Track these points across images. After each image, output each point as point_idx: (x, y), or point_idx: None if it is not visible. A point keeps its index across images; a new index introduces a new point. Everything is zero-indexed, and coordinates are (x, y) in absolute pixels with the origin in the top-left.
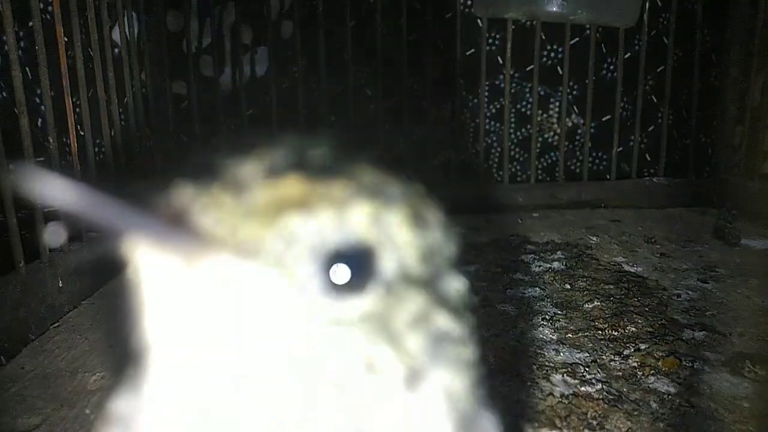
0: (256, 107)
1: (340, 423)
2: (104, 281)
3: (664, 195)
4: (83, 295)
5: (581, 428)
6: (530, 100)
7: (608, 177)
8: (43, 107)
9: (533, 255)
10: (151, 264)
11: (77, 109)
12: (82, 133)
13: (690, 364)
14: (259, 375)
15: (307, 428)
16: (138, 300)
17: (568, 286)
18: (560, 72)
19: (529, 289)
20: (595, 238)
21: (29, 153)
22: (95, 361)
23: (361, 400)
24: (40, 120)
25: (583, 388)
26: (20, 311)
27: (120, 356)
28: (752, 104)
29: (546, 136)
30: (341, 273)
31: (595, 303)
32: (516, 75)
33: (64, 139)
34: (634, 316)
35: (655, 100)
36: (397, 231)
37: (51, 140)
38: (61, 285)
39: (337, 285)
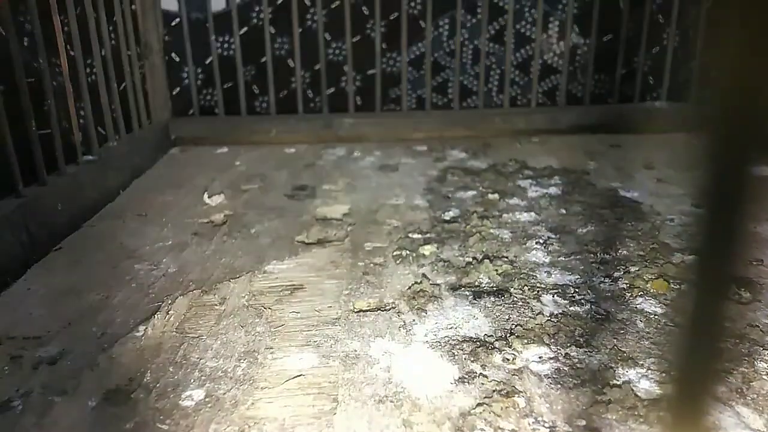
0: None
1: None
2: (103, 204)
3: (665, 119)
4: (83, 218)
5: (568, 345)
6: (530, 19)
7: (609, 101)
8: (29, 26)
9: (530, 180)
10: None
11: (65, 28)
12: (72, 53)
13: (678, 287)
14: None
15: None
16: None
17: (564, 211)
18: None
19: (525, 214)
20: (593, 164)
21: (20, 75)
22: (98, 281)
23: None
24: (27, 39)
25: (572, 308)
26: (21, 233)
27: (121, 276)
28: None
29: (546, 57)
30: None
31: (589, 227)
32: None
33: (54, 60)
34: (627, 240)
35: (661, 20)
36: None
37: (41, 60)
38: (60, 207)
39: None
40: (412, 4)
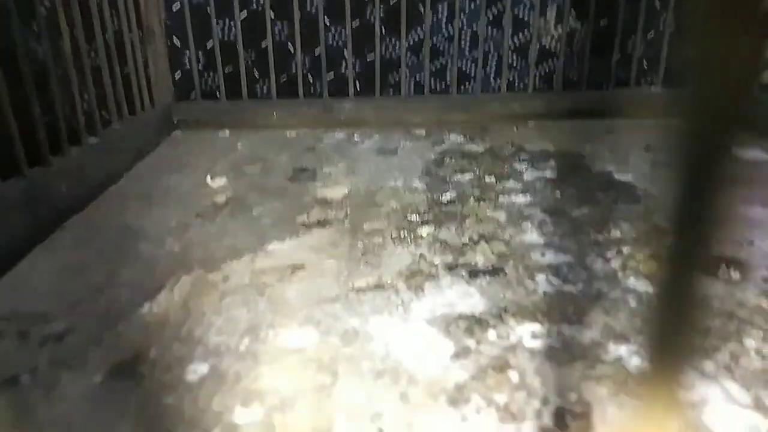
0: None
1: None
2: (107, 185)
3: (661, 105)
4: (88, 199)
5: (561, 322)
6: (528, 4)
7: (605, 86)
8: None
9: (527, 163)
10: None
11: (68, 13)
12: (75, 37)
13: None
14: None
15: None
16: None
17: (559, 194)
18: None
19: (521, 197)
20: (588, 147)
21: (24, 59)
22: (103, 260)
23: None
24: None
25: (565, 287)
26: (26, 214)
27: (126, 256)
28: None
29: (544, 42)
30: None
31: (583, 210)
32: None
33: (58, 44)
34: (620, 222)
35: (657, 6)
36: None
37: (44, 44)
38: (64, 189)
39: None
40: None
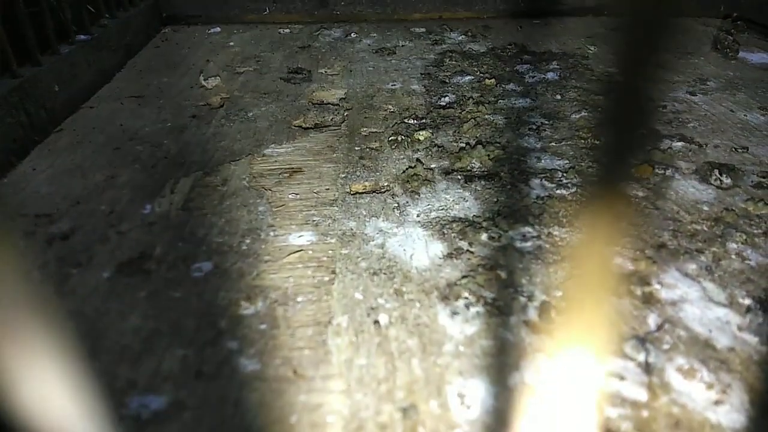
0: None
1: None
2: (99, 85)
3: (670, 2)
4: (81, 99)
5: (552, 225)
6: None
7: None
8: None
9: (528, 65)
10: None
11: None
12: None
13: (662, 172)
14: None
15: None
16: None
17: (559, 97)
18: None
19: (520, 100)
20: (592, 48)
21: None
22: (102, 161)
23: None
24: None
25: (558, 191)
26: (20, 114)
27: (124, 157)
28: None
29: None
30: None
31: (582, 113)
32: None
33: None
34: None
35: None
36: None
37: None
38: (57, 89)
39: None
40: None
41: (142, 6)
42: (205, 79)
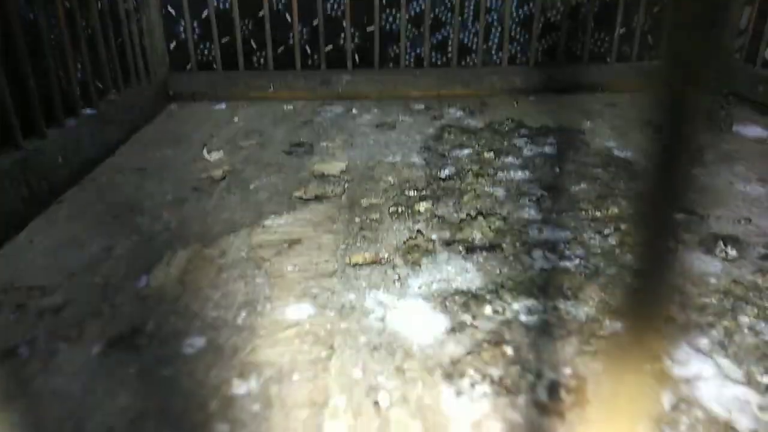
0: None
1: None
2: (103, 158)
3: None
4: (84, 172)
5: (557, 298)
6: None
7: (608, 60)
8: None
9: (526, 139)
10: None
11: None
12: (68, 5)
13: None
14: None
15: None
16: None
17: (557, 170)
18: None
19: (519, 172)
20: (589, 123)
21: (17, 27)
22: (100, 233)
23: None
24: None
25: (561, 263)
26: (21, 186)
27: (123, 229)
28: None
29: (549, 15)
30: None
31: (582, 186)
32: None
33: (51, 12)
34: (618, 198)
35: None
36: None
37: (38, 12)
38: (60, 161)
39: None
40: None
41: (151, 83)
42: (208, 153)
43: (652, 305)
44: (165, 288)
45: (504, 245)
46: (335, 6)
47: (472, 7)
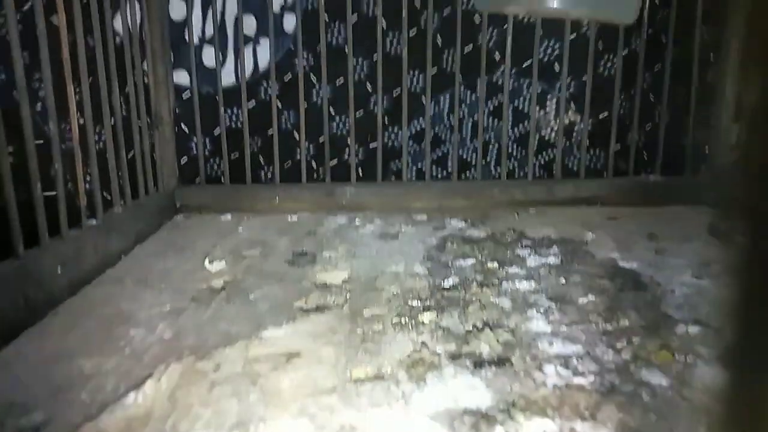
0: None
1: None
2: (104, 268)
3: (660, 192)
4: (83, 282)
5: (573, 418)
6: (528, 96)
7: (605, 174)
8: (43, 92)
9: (529, 249)
10: None
11: (77, 96)
12: (82, 121)
13: (683, 358)
14: None
15: None
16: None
17: (563, 281)
18: (558, 68)
19: (525, 283)
20: (591, 234)
21: (29, 136)
22: (91, 346)
23: None
24: (40, 104)
25: (575, 380)
26: (18, 297)
27: (116, 342)
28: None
29: (543, 133)
30: None
31: (590, 297)
32: (513, 71)
33: (64, 126)
34: (628, 310)
35: (652, 98)
36: None
37: (51, 125)
38: (59, 271)
39: None
40: (414, 81)
41: (157, 195)
42: (209, 263)
43: None
44: (153, 405)
45: (513, 359)
46: (340, 124)
47: (470, 126)
